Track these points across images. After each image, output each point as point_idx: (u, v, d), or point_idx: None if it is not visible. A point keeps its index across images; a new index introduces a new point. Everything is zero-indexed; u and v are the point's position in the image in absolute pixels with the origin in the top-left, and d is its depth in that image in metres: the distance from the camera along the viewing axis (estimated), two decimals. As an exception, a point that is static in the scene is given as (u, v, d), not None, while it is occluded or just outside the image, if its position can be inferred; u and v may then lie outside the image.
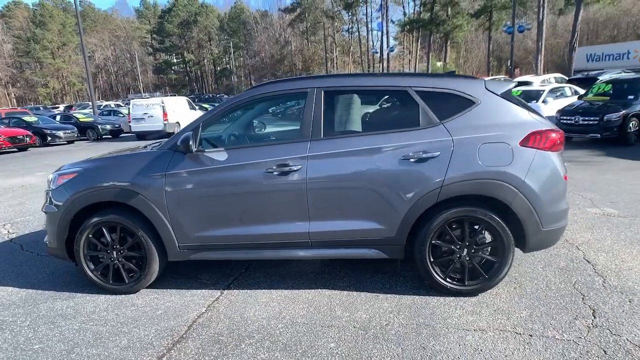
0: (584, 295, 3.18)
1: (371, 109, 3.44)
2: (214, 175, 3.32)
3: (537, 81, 16.89)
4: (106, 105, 36.65)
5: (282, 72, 71.49)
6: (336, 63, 68.79)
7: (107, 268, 3.55)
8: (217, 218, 3.37)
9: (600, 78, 15.69)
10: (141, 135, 19.68)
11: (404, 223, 3.19)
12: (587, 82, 15.54)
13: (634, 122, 10.06)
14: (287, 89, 3.47)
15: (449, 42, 49.15)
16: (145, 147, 3.99)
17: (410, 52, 56.53)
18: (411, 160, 3.12)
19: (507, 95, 3.25)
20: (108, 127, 21.22)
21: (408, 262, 3.80)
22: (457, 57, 56.00)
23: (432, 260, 3.22)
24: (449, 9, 44.11)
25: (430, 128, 3.17)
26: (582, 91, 13.05)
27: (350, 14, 62.62)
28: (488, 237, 3.22)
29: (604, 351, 2.52)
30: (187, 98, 23.35)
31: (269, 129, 4.02)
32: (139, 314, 3.23)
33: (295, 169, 3.21)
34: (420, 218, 3.17)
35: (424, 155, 3.10)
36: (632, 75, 14.94)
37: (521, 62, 54.44)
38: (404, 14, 56.00)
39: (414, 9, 54.13)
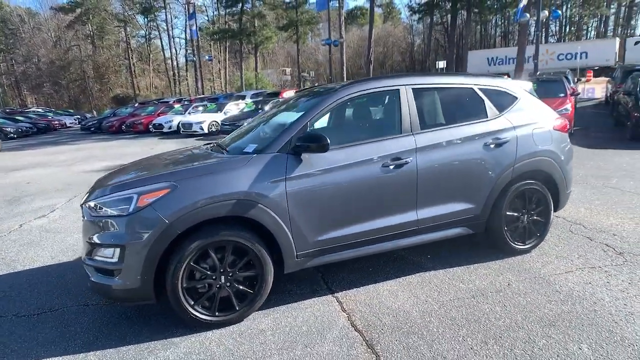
0: (589, 238, 4.35)
1: (445, 104, 3.86)
2: (336, 175, 3.21)
3: None
4: None
5: (67, 81, 61.63)
6: (134, 71, 63.24)
7: (211, 298, 2.99)
8: (337, 218, 3.27)
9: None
10: None
11: (488, 200, 3.75)
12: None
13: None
14: (380, 87, 3.59)
15: (258, 53, 51.39)
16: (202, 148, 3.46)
17: (219, 61, 56.61)
18: (491, 145, 3.71)
19: (532, 92, 4.18)
20: None
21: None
22: (263, 67, 58.97)
23: (506, 228, 3.88)
24: (256, 20, 46.17)
25: (496, 119, 3.83)
26: None
27: (147, 19, 58.60)
28: (532, 203, 4.06)
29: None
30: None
31: (351, 125, 3.96)
32: (289, 336, 2.87)
33: (408, 161, 3.40)
34: (499, 194, 3.79)
35: (499, 141, 3.74)
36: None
37: (316, 73, 61.66)
38: (213, 22, 55.70)
39: (218, 18, 54.44)
